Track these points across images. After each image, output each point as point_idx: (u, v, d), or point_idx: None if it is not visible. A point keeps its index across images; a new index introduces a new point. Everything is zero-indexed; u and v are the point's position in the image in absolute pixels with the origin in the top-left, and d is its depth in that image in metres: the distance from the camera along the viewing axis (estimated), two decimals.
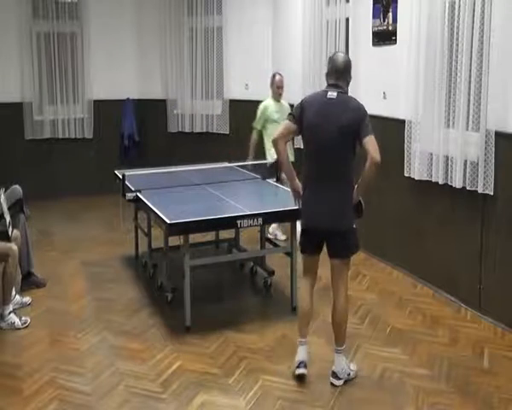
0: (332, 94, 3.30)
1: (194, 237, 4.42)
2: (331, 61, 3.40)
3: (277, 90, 6.02)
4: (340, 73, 3.35)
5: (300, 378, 3.47)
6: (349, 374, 3.49)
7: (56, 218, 7.21)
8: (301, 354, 3.50)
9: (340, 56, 3.43)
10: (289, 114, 3.50)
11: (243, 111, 7.48)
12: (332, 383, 3.45)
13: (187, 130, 8.19)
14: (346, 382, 3.47)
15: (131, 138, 8.34)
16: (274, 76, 6.09)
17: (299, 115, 3.37)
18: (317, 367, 3.62)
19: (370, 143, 3.20)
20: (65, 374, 3.60)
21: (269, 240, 5.33)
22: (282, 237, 5.99)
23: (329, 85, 3.35)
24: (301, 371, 3.46)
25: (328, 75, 3.39)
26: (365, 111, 3.32)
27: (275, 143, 3.44)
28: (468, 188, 4.34)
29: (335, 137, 3.26)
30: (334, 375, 3.46)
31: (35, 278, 4.92)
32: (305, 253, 3.53)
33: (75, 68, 8.02)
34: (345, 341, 3.49)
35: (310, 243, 3.48)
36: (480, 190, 4.22)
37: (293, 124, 3.40)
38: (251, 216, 4.10)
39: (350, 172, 3.35)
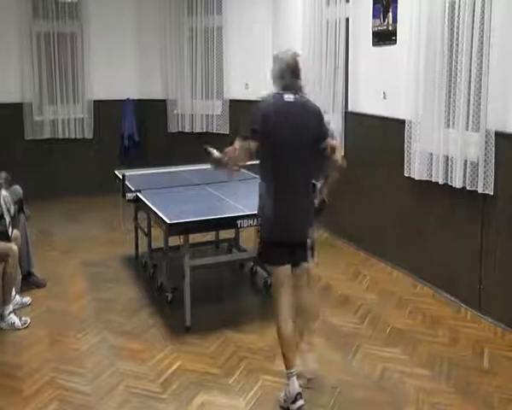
0: (289, 97, 3.10)
1: (194, 237, 4.42)
2: (278, 60, 3.17)
3: None
4: (291, 73, 3.14)
5: None
6: None
7: (56, 218, 7.20)
8: (295, 385, 3.15)
9: (289, 55, 3.17)
10: (251, 130, 3.13)
11: (243, 111, 7.45)
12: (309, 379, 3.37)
13: (187, 130, 8.18)
14: (346, 382, 3.46)
15: (131, 138, 8.33)
16: None
17: (260, 127, 3.09)
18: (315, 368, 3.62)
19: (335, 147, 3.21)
20: (65, 374, 3.60)
21: None
22: None
23: (283, 88, 3.13)
24: (301, 402, 3.13)
25: (277, 77, 3.16)
26: (322, 113, 3.29)
27: (237, 170, 3.32)
28: (468, 188, 4.34)
29: (300, 141, 3.11)
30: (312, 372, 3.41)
31: (35, 278, 4.91)
32: (281, 264, 3.22)
33: (75, 68, 8.01)
34: None
35: (283, 254, 3.21)
36: (480, 190, 4.22)
37: (254, 141, 3.11)
38: (251, 216, 4.09)
39: (314, 176, 3.28)
